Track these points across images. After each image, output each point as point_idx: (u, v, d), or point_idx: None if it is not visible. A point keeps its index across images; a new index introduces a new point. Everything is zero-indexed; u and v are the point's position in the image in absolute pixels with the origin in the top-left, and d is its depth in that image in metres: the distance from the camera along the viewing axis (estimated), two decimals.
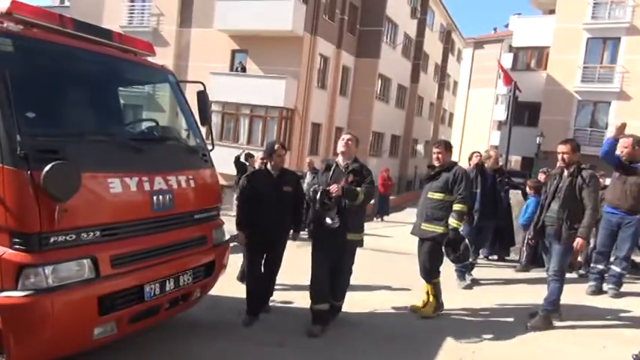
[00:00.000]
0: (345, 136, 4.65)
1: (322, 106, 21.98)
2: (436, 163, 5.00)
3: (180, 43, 21.66)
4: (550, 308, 4.66)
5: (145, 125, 4.25)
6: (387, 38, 25.45)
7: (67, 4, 25.88)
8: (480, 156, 7.01)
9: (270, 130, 19.78)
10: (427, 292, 5.11)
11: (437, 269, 5.06)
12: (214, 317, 4.81)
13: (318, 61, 21.27)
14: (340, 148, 4.60)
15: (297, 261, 5.16)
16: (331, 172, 4.54)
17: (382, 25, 24.32)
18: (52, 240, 2.91)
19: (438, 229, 4.82)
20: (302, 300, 5.04)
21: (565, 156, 4.67)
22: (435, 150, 5.04)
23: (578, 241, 4.52)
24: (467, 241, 4.93)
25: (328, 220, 4.30)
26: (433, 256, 5.00)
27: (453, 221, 4.76)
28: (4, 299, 2.79)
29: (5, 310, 2.79)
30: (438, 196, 4.87)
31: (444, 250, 4.88)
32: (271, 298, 5.14)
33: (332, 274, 4.52)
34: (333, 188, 4.29)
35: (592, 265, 6.04)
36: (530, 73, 25.34)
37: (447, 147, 5.06)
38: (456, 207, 4.77)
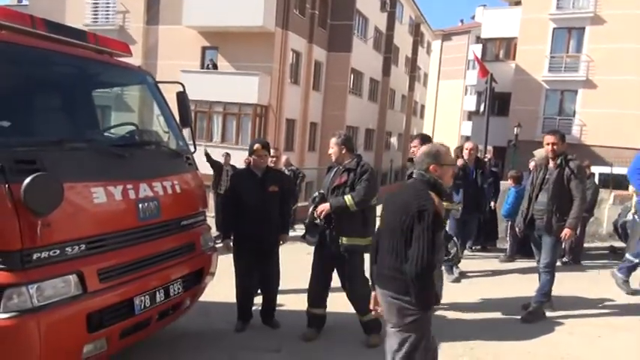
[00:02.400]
0: (331, 141, 4.36)
1: (296, 101, 21.83)
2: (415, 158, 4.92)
3: (147, 41, 21.13)
4: (543, 300, 4.69)
5: (125, 130, 4.05)
6: (358, 32, 25.43)
7: (25, 2, 24.85)
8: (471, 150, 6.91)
9: (245, 127, 19.53)
10: None
11: None
12: (203, 325, 4.67)
13: (291, 57, 21.08)
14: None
15: (286, 262, 5.04)
16: (332, 174, 4.34)
17: (353, 18, 24.25)
18: (34, 257, 2.72)
19: None
20: (293, 303, 4.95)
21: (555, 147, 4.64)
22: (411, 145, 4.95)
23: (566, 232, 4.53)
24: (455, 239, 4.90)
25: (308, 237, 4.26)
26: None
27: None
28: None
29: None
30: None
31: None
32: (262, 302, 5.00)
33: (342, 283, 4.30)
34: (320, 210, 4.12)
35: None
36: (500, 64, 25.71)
37: (424, 140, 4.91)
38: None
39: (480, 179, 6.89)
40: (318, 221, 4.22)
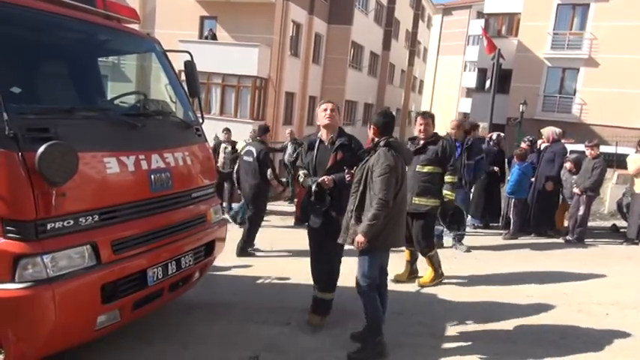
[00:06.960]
0: (325, 105, 3.96)
1: (295, 74, 21.53)
2: (421, 135, 4.97)
3: (144, 9, 20.62)
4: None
5: (135, 99, 3.94)
6: (359, 4, 24.96)
7: None
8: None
9: (244, 100, 19.29)
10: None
11: (432, 242, 5.07)
12: (212, 297, 4.66)
13: (291, 28, 20.70)
14: (323, 120, 3.91)
15: (290, 234, 5.03)
16: (315, 151, 3.96)
17: None
18: (49, 227, 2.67)
19: (432, 203, 4.85)
20: (299, 275, 4.96)
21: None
22: (421, 121, 4.98)
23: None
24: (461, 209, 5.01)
25: (313, 218, 4.00)
26: (428, 230, 4.99)
27: (447, 192, 4.86)
28: (1, 292, 2.56)
29: (2, 304, 2.57)
30: (428, 169, 4.88)
31: (441, 220, 4.92)
32: (268, 274, 5.04)
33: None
34: (325, 181, 3.80)
35: None
36: (501, 40, 25.35)
37: (433, 119, 5.05)
38: (448, 178, 4.87)
39: (464, 155, 6.75)
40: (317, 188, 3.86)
